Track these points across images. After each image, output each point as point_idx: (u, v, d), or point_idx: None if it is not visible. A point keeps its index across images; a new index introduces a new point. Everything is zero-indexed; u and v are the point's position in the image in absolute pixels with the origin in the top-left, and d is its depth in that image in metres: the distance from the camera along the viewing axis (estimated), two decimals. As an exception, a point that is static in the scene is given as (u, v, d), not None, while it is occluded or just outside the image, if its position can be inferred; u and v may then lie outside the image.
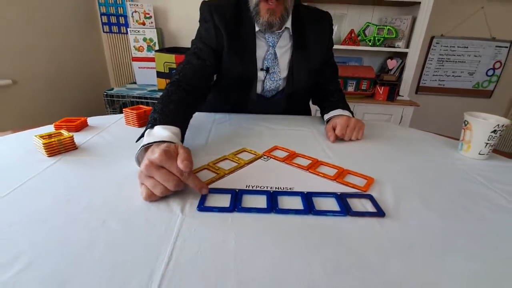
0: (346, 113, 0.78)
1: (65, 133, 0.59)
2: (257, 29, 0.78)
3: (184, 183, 0.42)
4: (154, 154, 0.41)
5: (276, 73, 0.83)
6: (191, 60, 0.75)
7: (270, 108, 0.89)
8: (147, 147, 0.46)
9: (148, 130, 0.51)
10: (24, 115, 1.54)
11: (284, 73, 0.84)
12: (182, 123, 0.56)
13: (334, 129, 0.70)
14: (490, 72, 2.14)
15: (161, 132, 0.50)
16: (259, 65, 0.81)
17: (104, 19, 2.07)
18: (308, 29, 0.83)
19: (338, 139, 0.71)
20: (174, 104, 0.59)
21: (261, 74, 0.83)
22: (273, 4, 0.71)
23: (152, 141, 0.46)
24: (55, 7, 1.72)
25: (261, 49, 0.81)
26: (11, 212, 0.38)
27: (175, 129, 0.52)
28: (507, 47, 2.08)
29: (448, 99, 2.25)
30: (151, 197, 0.41)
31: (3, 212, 0.38)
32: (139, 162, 0.48)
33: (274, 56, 0.82)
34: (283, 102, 0.89)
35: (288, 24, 0.80)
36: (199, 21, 0.81)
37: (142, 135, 0.52)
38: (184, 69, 0.72)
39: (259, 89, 0.86)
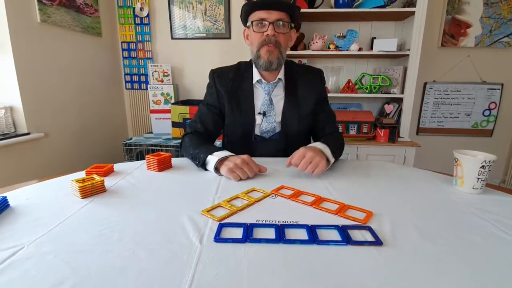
0: (319, 146, 0.81)
1: (96, 178, 0.68)
2: (255, 80, 0.97)
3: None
4: (243, 156, 0.76)
5: (272, 116, 0.98)
6: (197, 121, 1.00)
7: (270, 147, 1.00)
8: (222, 159, 0.76)
9: (210, 155, 0.79)
10: (54, 163, 1.68)
11: (279, 117, 0.98)
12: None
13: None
14: (487, 113, 2.24)
15: (224, 152, 0.80)
16: (257, 110, 0.98)
17: (127, 78, 2.34)
18: (300, 81, 1.00)
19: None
20: (205, 142, 0.89)
21: (258, 118, 0.98)
22: (271, 47, 0.89)
23: (226, 155, 0.78)
24: (87, 70, 1.98)
25: (259, 97, 0.98)
26: (55, 244, 0.44)
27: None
28: (499, 89, 2.20)
29: (449, 139, 2.31)
30: (238, 179, 0.73)
31: (48, 244, 0.44)
32: (217, 169, 0.77)
33: (270, 102, 0.98)
34: (281, 142, 1.00)
35: (281, 75, 0.97)
36: (206, 86, 1.03)
37: (203, 163, 0.80)
38: (196, 126, 0.99)
39: (257, 131, 0.99)
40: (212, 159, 0.78)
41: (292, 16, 0.92)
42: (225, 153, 0.80)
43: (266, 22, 0.87)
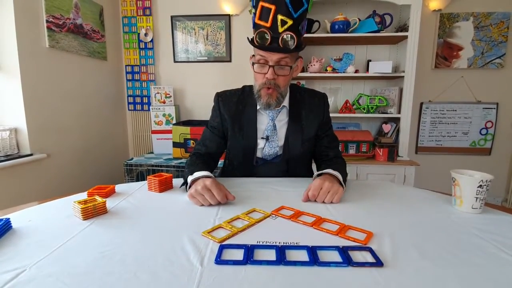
0: (332, 172, 0.81)
1: (98, 199, 0.69)
2: (259, 107, 0.98)
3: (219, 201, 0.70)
4: (206, 182, 0.71)
5: (274, 141, 0.98)
6: (201, 143, 1.03)
7: (272, 169, 1.01)
8: (194, 180, 0.75)
9: (190, 176, 0.78)
10: (56, 184, 1.69)
11: (281, 142, 0.99)
12: (210, 171, 0.84)
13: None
14: (484, 131, 2.26)
15: (201, 172, 0.79)
16: (260, 134, 0.99)
17: (130, 99, 2.40)
18: (304, 106, 1.00)
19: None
20: (201, 164, 0.89)
21: (261, 142, 0.98)
22: (270, 90, 0.90)
23: (199, 176, 0.76)
24: (92, 93, 2.04)
25: (263, 122, 0.99)
26: (56, 267, 0.44)
27: (208, 172, 0.80)
28: (494, 108, 2.25)
29: (448, 158, 2.32)
30: (200, 205, 0.71)
31: (50, 267, 0.44)
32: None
33: (274, 127, 0.98)
34: (283, 165, 1.01)
35: (286, 103, 0.98)
36: (212, 108, 1.04)
37: (185, 181, 0.80)
38: (199, 148, 1.02)
39: (259, 154, 1.00)
40: (189, 180, 0.78)
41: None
42: (199, 174, 0.78)
43: (266, 65, 0.86)
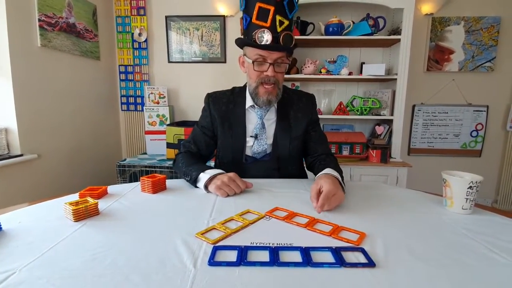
0: (335, 173, 0.80)
1: (90, 200, 0.68)
2: (248, 105, 1.01)
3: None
4: (229, 174, 0.80)
5: (263, 139, 1.01)
6: (191, 142, 1.05)
7: (262, 167, 1.02)
8: (212, 178, 0.80)
9: (202, 173, 0.83)
10: (46, 185, 1.66)
11: (270, 140, 1.01)
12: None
13: (319, 192, 0.70)
14: (474, 133, 2.31)
15: (215, 170, 0.84)
16: (249, 133, 1.01)
17: (124, 99, 2.38)
18: (292, 105, 1.03)
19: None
20: (197, 161, 0.94)
21: (250, 140, 1.01)
22: (269, 87, 0.92)
23: (216, 173, 0.82)
24: (84, 92, 2.01)
25: (252, 121, 1.02)
26: (47, 269, 0.44)
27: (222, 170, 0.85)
28: (484, 111, 2.29)
29: (440, 159, 2.36)
30: (226, 196, 0.77)
31: (40, 269, 0.44)
32: (206, 187, 0.81)
33: (262, 126, 1.01)
34: (273, 163, 1.03)
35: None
36: (202, 109, 1.07)
37: (194, 181, 0.84)
38: (190, 147, 1.04)
39: (249, 152, 1.02)
40: (203, 177, 0.83)
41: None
42: (215, 171, 0.84)
43: (266, 63, 0.88)
